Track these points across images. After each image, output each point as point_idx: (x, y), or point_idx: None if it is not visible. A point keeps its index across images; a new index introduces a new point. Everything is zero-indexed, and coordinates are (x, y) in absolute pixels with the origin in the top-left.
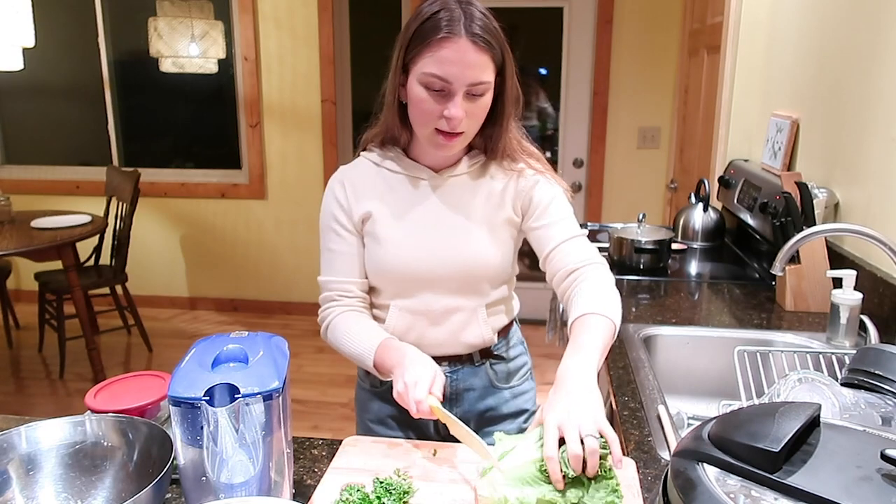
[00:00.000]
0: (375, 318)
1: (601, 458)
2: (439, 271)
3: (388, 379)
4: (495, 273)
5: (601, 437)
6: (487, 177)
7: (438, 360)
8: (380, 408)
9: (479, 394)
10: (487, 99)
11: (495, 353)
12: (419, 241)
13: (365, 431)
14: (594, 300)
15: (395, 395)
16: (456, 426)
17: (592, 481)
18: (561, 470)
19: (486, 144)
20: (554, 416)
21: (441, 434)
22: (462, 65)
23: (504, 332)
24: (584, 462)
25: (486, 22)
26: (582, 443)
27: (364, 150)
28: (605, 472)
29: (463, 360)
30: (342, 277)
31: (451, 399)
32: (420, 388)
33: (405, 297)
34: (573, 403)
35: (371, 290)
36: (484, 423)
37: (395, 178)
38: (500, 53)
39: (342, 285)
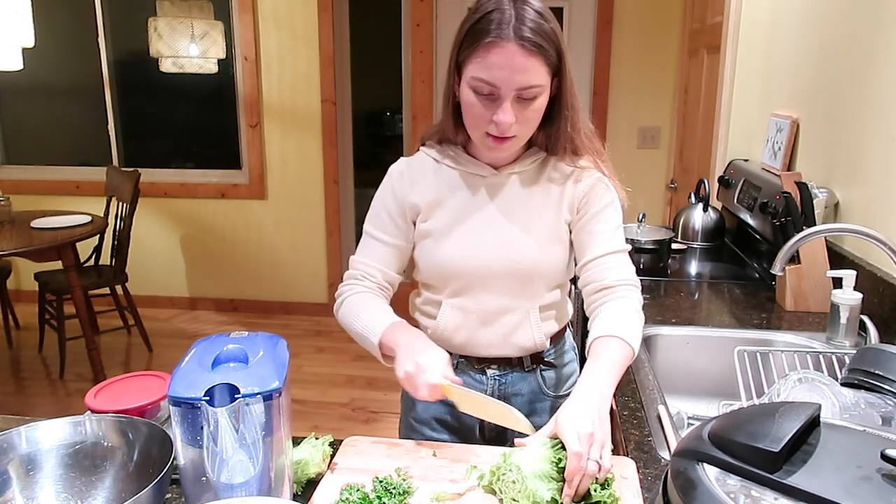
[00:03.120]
0: (426, 314)
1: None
2: (495, 270)
3: (389, 365)
4: (551, 274)
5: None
6: (547, 175)
7: (488, 361)
8: (424, 409)
9: (527, 399)
10: (540, 102)
11: (546, 359)
12: (476, 239)
13: (408, 430)
14: (617, 322)
15: (401, 375)
16: (475, 399)
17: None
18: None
19: (547, 143)
20: (574, 427)
21: (486, 437)
22: (510, 69)
23: (556, 338)
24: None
25: (538, 23)
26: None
27: (423, 145)
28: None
29: (513, 363)
30: (371, 261)
31: None
32: (432, 373)
33: (458, 295)
34: (593, 422)
35: (424, 287)
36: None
37: (454, 175)
38: (554, 55)
39: (368, 268)
